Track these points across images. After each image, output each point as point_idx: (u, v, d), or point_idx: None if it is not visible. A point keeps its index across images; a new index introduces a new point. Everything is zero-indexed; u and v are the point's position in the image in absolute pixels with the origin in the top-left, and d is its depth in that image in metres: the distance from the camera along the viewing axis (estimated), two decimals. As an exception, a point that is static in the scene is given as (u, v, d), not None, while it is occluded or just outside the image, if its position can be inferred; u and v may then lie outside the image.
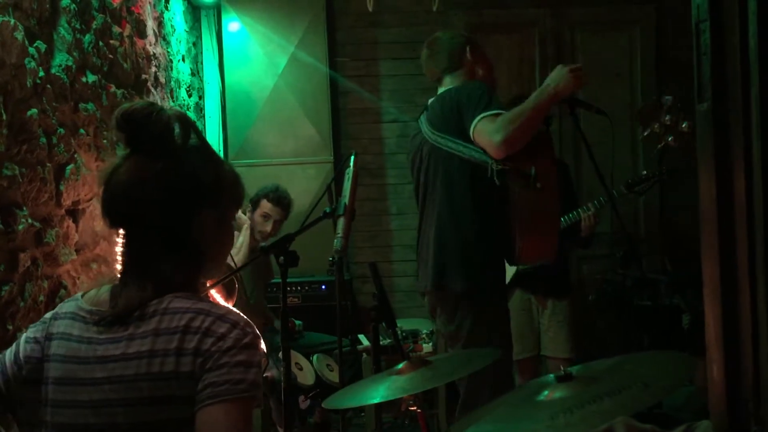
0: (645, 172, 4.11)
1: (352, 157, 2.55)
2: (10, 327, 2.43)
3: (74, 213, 2.98)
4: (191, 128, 1.42)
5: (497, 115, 2.77)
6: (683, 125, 3.80)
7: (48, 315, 1.46)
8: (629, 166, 5.61)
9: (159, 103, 4.27)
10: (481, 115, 2.78)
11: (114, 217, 1.41)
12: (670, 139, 3.83)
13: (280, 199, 4.37)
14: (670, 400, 4.29)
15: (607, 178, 3.54)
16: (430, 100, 3.18)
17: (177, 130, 1.40)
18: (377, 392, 1.99)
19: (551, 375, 1.86)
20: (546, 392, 1.83)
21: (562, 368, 1.86)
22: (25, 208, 2.56)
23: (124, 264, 1.41)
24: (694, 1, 0.95)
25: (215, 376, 1.29)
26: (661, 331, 4.50)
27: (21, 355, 1.42)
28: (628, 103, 5.66)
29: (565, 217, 3.94)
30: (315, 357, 4.33)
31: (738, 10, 0.88)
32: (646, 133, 4.03)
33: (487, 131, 2.75)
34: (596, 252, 4.40)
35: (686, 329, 4.25)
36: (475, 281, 2.93)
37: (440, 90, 3.17)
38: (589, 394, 1.76)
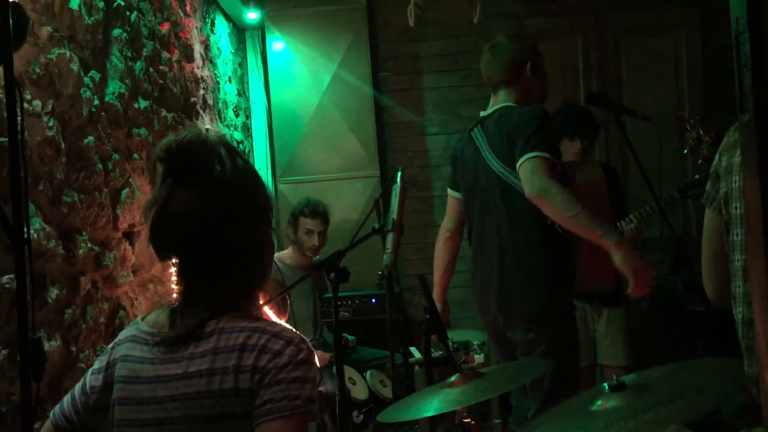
0: (697, 176, 4.05)
1: (399, 173, 2.58)
2: (74, 348, 2.51)
3: (130, 235, 3.06)
4: (235, 152, 1.46)
5: (544, 161, 2.76)
6: (707, 138, 3.76)
7: (110, 345, 1.52)
8: (678, 170, 5.55)
9: (207, 124, 4.37)
10: (533, 155, 2.78)
11: (169, 248, 1.43)
12: (705, 151, 3.79)
13: (316, 211, 4.42)
14: (727, 406, 4.22)
15: (655, 184, 3.52)
16: (483, 113, 3.17)
17: (223, 155, 1.43)
18: (430, 405, 2.01)
19: (605, 384, 1.87)
20: (600, 402, 1.83)
21: (614, 377, 1.86)
22: (84, 233, 2.65)
23: (181, 288, 1.45)
24: (733, 13, 0.96)
25: (273, 392, 1.32)
26: (715, 336, 4.43)
27: (88, 386, 1.49)
28: (675, 108, 5.60)
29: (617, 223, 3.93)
30: (368, 373, 4.36)
31: (777, 22, 0.89)
32: (684, 152, 4.01)
33: (530, 176, 2.76)
34: (647, 258, 4.35)
35: (741, 334, 4.17)
36: (544, 303, 2.95)
37: (494, 104, 3.15)
38: (642, 402, 1.76)
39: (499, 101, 3.14)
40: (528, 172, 2.76)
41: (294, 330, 1.43)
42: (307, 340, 1.42)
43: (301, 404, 1.33)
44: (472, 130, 3.18)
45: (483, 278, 3.12)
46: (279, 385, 1.33)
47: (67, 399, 1.52)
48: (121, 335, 1.51)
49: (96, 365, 1.51)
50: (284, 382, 1.33)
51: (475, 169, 3.12)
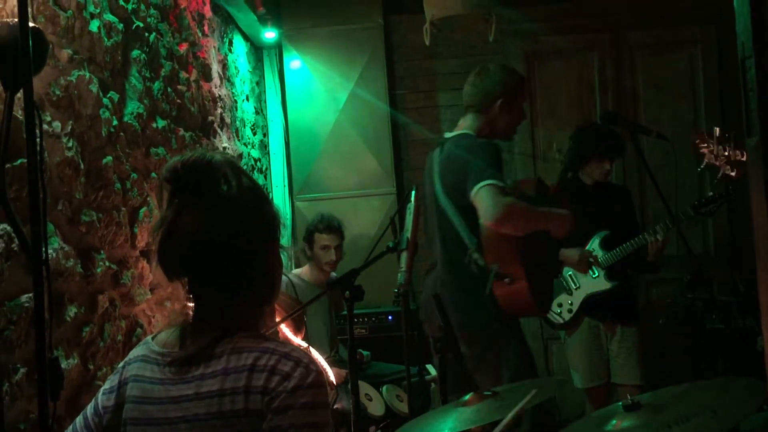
0: (711, 193, 4.04)
1: (413, 192, 2.60)
2: (91, 366, 2.53)
3: (147, 254, 3.09)
4: (240, 171, 1.47)
5: (498, 187, 2.87)
6: (738, 154, 3.73)
7: (120, 364, 1.54)
8: (695, 187, 5.52)
9: (225, 143, 4.41)
10: (487, 183, 2.87)
11: (178, 268, 1.44)
12: (728, 170, 3.76)
13: (330, 226, 4.47)
14: (746, 424, 4.18)
15: (671, 201, 3.52)
16: (447, 135, 3.30)
17: (228, 174, 1.44)
18: (445, 425, 2.02)
19: (620, 403, 1.86)
20: (614, 421, 1.83)
21: (629, 396, 1.86)
22: (102, 252, 2.68)
23: (194, 307, 1.46)
24: (739, 38, 0.97)
25: (280, 419, 1.32)
26: (735, 354, 4.39)
27: (100, 406, 1.51)
28: (691, 124, 5.58)
29: (631, 241, 3.93)
30: (384, 388, 4.37)
31: (782, 47, 0.90)
32: (702, 166, 3.98)
33: (488, 202, 2.86)
34: (665, 275, 4.33)
35: (761, 352, 4.14)
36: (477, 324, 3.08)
37: (458, 128, 3.27)
38: (657, 422, 1.75)
39: (462, 126, 3.27)
40: (484, 200, 2.85)
41: (303, 350, 1.44)
42: (316, 361, 1.42)
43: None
44: (434, 150, 3.33)
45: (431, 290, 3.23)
46: (287, 412, 1.33)
47: (79, 420, 1.54)
48: (132, 354, 1.52)
49: (107, 385, 1.52)
50: (293, 409, 1.33)
51: (428, 188, 3.27)
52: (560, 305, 4.08)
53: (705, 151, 3.84)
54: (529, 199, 3.10)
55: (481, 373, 3.08)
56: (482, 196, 2.85)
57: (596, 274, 4.02)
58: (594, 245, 4.03)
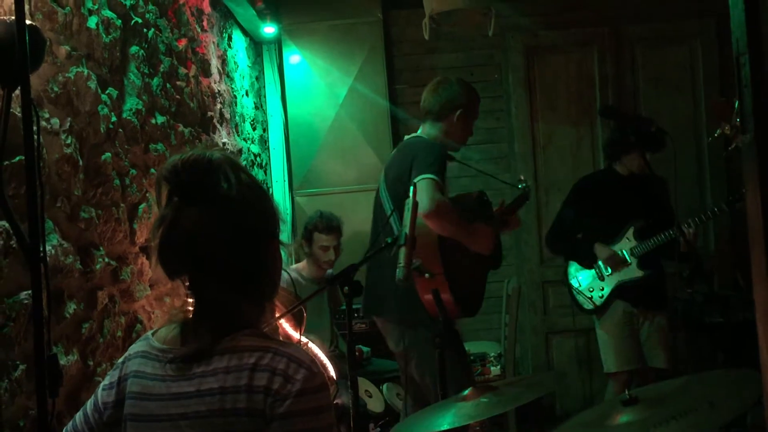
0: (745, 190, 4.07)
1: (411, 188, 2.60)
2: (91, 362, 2.54)
3: (147, 250, 3.09)
4: (240, 168, 1.47)
5: (437, 183, 3.06)
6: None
7: (119, 360, 1.54)
8: (695, 180, 5.53)
9: (225, 138, 4.41)
10: (427, 176, 3.06)
11: (179, 266, 1.44)
12: (739, 142, 3.77)
13: (330, 226, 4.47)
14: (753, 417, 4.18)
15: (672, 193, 3.54)
16: (406, 137, 3.50)
17: (228, 172, 1.44)
18: (444, 419, 2.02)
19: (618, 398, 1.87)
20: (613, 416, 1.84)
21: (627, 392, 1.87)
22: (101, 248, 2.68)
23: (194, 304, 1.46)
24: (733, 35, 0.97)
25: (287, 424, 1.33)
26: (735, 348, 4.40)
27: (100, 402, 1.51)
28: (691, 117, 5.58)
29: (665, 232, 4.03)
30: (385, 386, 4.37)
31: (776, 44, 0.90)
32: (716, 134, 3.98)
33: (426, 193, 3.00)
34: (665, 270, 4.35)
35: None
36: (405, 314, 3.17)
37: (418, 132, 3.49)
38: (656, 416, 1.76)
39: (420, 132, 3.48)
40: (422, 192, 2.97)
41: (304, 346, 1.44)
42: (317, 358, 1.43)
43: None
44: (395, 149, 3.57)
45: (373, 281, 3.37)
46: (292, 419, 1.33)
47: (79, 416, 1.54)
48: (131, 350, 1.52)
49: (107, 381, 1.52)
50: (300, 415, 1.33)
51: (381, 183, 3.46)
52: (591, 290, 4.23)
53: (726, 120, 3.86)
54: (467, 210, 3.26)
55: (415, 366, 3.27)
56: (421, 187, 2.99)
57: (629, 262, 4.14)
58: (629, 234, 4.17)
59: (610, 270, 4.17)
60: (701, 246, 5.33)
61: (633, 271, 4.15)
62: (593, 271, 4.21)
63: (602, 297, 4.19)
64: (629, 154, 4.12)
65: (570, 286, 4.32)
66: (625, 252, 4.15)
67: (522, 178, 3.82)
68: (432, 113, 3.45)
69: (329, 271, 4.56)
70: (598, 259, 4.19)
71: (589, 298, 4.19)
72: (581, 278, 4.27)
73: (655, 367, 4.17)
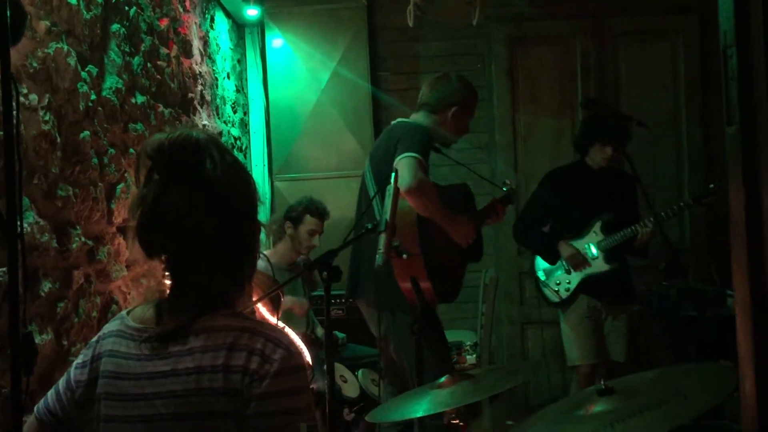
0: (712, 185, 4.11)
1: (393, 174, 2.59)
2: (65, 342, 2.52)
3: (124, 230, 3.07)
4: (224, 149, 1.46)
5: (420, 162, 3.09)
6: None
7: (93, 339, 1.52)
8: (674, 174, 5.56)
9: (205, 120, 4.37)
10: (409, 154, 3.09)
11: (159, 246, 1.43)
12: None
13: (323, 212, 4.45)
14: (731, 410, 4.23)
15: (650, 190, 3.56)
16: (393, 122, 3.50)
17: (214, 152, 1.43)
18: (419, 406, 2.02)
19: (592, 388, 1.88)
20: (587, 406, 1.84)
21: (602, 381, 1.88)
22: (78, 227, 2.65)
23: (171, 284, 1.45)
24: (721, 27, 0.97)
25: (267, 405, 1.33)
26: (709, 341, 4.45)
27: (72, 380, 1.49)
28: (671, 112, 5.61)
29: (631, 228, 4.04)
30: (360, 372, 4.37)
31: (764, 37, 0.90)
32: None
33: (408, 170, 3.04)
34: (640, 263, 4.38)
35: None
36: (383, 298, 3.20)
37: (409, 119, 3.50)
38: (630, 407, 1.77)
39: (412, 117, 3.51)
40: (404, 168, 3.03)
41: (283, 331, 1.44)
42: (295, 342, 1.42)
43: (295, 418, 1.35)
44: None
45: (356, 264, 3.43)
46: (271, 399, 1.33)
47: (51, 394, 1.52)
48: (105, 329, 1.50)
49: (80, 359, 1.50)
50: (277, 396, 1.33)
51: (367, 165, 3.51)
52: (558, 283, 4.23)
53: None
54: (450, 201, 3.28)
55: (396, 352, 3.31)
56: (404, 163, 3.05)
57: (596, 256, 4.14)
58: (596, 228, 4.17)
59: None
60: (678, 241, 5.37)
61: (599, 265, 4.15)
62: (560, 263, 4.23)
63: (568, 290, 4.20)
64: (593, 146, 4.14)
65: (537, 279, 4.33)
66: (592, 245, 4.16)
67: (508, 181, 3.83)
68: (428, 105, 3.48)
69: (300, 257, 4.54)
70: (560, 257, 4.21)
71: (555, 291, 4.20)
72: (548, 271, 4.29)
73: (614, 361, 4.19)
